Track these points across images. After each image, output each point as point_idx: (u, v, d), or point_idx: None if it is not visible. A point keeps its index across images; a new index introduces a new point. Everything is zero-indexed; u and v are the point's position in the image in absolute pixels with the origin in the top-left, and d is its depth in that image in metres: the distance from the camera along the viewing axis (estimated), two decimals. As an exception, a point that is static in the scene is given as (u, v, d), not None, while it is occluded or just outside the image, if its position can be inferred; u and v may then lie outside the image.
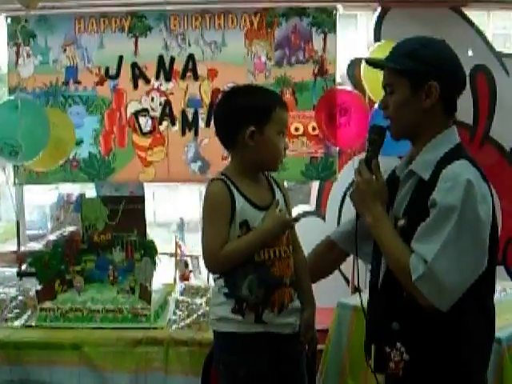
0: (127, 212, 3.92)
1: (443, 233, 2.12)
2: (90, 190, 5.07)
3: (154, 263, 3.51)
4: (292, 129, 4.88)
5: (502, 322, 3.22)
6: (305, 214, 5.23)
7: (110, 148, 4.95)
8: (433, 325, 2.21)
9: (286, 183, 5.28)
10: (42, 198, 6.97)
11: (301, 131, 4.91)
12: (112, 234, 3.63)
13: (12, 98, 4.40)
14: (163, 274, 4.36)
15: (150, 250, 3.53)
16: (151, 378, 3.19)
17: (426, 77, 2.23)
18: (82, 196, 4.11)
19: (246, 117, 2.47)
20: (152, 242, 3.59)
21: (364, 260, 2.66)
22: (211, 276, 2.71)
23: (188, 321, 3.34)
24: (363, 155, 2.41)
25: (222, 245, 2.43)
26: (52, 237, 4.41)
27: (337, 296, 3.81)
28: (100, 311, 3.33)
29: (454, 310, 2.17)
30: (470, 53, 5.12)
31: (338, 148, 4.92)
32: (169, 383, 3.17)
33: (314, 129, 4.88)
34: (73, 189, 5.17)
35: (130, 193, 4.83)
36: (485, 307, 2.29)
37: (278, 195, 2.59)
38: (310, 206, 5.34)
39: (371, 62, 2.53)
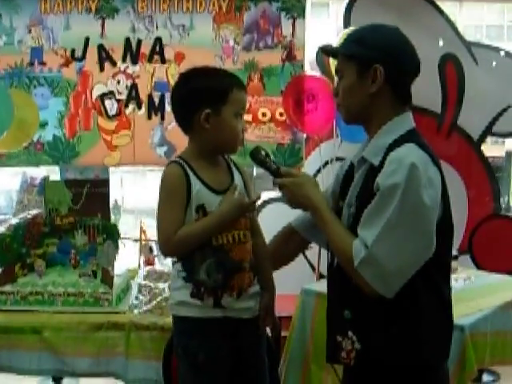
0: (91, 196, 3.87)
1: (384, 216, 2.09)
2: (56, 174, 5.02)
3: (117, 247, 3.45)
4: (259, 114, 4.87)
5: (466, 310, 3.25)
6: (269, 200, 5.22)
7: (75, 131, 4.89)
8: (385, 313, 2.18)
9: (254, 170, 5.34)
10: (9, 181, 6.86)
11: (268, 117, 4.89)
12: (75, 218, 3.58)
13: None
14: (128, 259, 4.32)
15: (112, 234, 3.47)
16: (112, 363, 3.15)
17: (370, 61, 2.21)
18: (45, 179, 4.05)
19: (201, 99, 2.43)
20: (115, 226, 3.54)
21: (324, 247, 2.65)
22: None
23: (150, 305, 3.29)
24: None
25: (176, 229, 2.38)
26: (15, 220, 4.33)
27: (302, 283, 3.80)
28: (61, 295, 3.27)
29: (407, 298, 2.14)
30: (440, 42, 5.13)
31: (305, 134, 4.91)
32: (130, 368, 3.13)
33: (281, 115, 4.86)
34: (39, 172, 5.11)
35: (94, 176, 4.79)
36: (439, 294, 2.25)
37: (237, 178, 2.55)
38: (276, 193, 5.32)
39: (325, 50, 2.52)
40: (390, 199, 2.09)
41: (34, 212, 4.24)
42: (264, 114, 4.88)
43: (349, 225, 2.26)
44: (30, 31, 4.82)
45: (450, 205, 2.23)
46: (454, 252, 4.39)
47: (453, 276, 3.74)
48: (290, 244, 2.72)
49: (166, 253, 2.52)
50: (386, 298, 2.13)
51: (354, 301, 2.23)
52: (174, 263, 2.52)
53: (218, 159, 2.54)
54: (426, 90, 5.14)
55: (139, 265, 4.15)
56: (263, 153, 2.44)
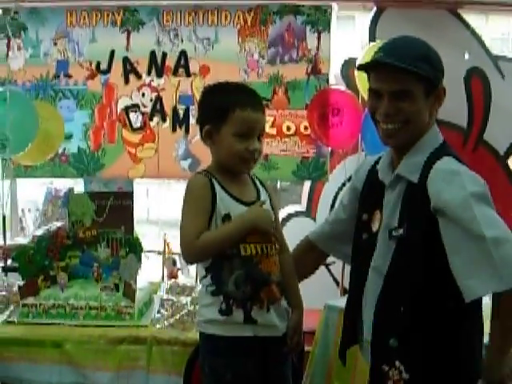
0: (115, 208, 3.87)
1: (492, 228, 2.01)
2: (81, 186, 5.03)
3: (139, 260, 3.45)
4: (284, 128, 4.86)
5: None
6: (295, 213, 5.20)
7: (99, 143, 4.90)
8: (432, 340, 2.13)
9: (278, 183, 5.32)
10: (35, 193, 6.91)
11: (292, 131, 4.87)
12: (98, 230, 3.57)
13: (0, 89, 4.34)
14: (152, 271, 4.32)
15: (135, 247, 3.46)
16: (133, 377, 3.14)
17: (438, 81, 2.18)
18: (69, 191, 4.07)
19: (204, 115, 2.45)
20: (137, 239, 3.53)
21: (346, 261, 2.62)
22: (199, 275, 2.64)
23: (172, 320, 3.28)
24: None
25: (198, 234, 2.33)
26: (39, 232, 4.36)
27: (326, 298, 3.77)
28: (83, 308, 3.27)
29: (453, 319, 2.11)
30: (466, 55, 5.08)
31: (329, 148, 4.88)
32: (151, 382, 3.12)
33: (306, 128, 4.84)
34: (64, 184, 5.14)
35: (118, 189, 4.79)
36: (478, 311, 2.22)
37: (264, 195, 2.52)
38: (301, 206, 5.30)
39: (374, 64, 2.35)
40: (475, 207, 2.02)
41: (58, 224, 4.26)
42: (288, 128, 4.87)
43: (395, 247, 2.19)
44: (55, 44, 4.85)
45: None
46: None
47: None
48: (309, 257, 2.69)
49: (188, 257, 2.45)
50: (432, 324, 2.11)
51: (401, 328, 2.17)
52: (201, 279, 2.47)
53: (241, 175, 2.51)
54: (451, 105, 5.10)
55: (162, 278, 4.14)
56: None
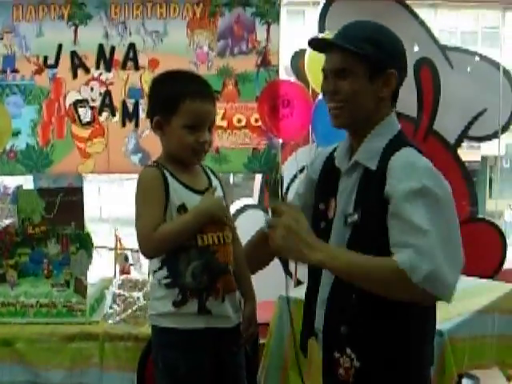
0: (65, 204, 3.82)
1: (428, 222, 1.96)
2: (30, 183, 4.96)
3: (90, 256, 3.41)
4: (234, 120, 4.82)
5: (444, 314, 3.22)
6: (245, 207, 5.19)
7: (48, 139, 4.81)
8: (383, 327, 2.12)
9: (231, 178, 5.31)
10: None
11: (243, 123, 4.84)
12: (47, 227, 3.52)
13: None
14: (104, 268, 4.27)
15: (85, 243, 3.43)
16: (87, 374, 3.12)
17: (386, 64, 2.14)
18: (18, 188, 4.00)
19: (153, 106, 2.43)
20: (88, 235, 3.49)
21: None
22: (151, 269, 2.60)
23: (124, 315, 3.26)
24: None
25: (155, 226, 2.30)
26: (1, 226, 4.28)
27: (279, 289, 3.75)
28: (33, 306, 3.24)
29: (404, 305, 2.05)
30: (415, 46, 5.13)
31: (280, 140, 4.88)
32: (105, 379, 3.10)
33: (256, 120, 4.81)
34: (13, 181, 5.05)
35: (68, 185, 4.73)
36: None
37: (215, 183, 2.52)
38: (253, 199, 5.30)
39: (320, 43, 2.37)
40: (426, 203, 1.97)
41: (7, 221, 4.19)
42: (239, 120, 4.84)
43: (350, 233, 2.17)
44: (1, 38, 4.74)
45: None
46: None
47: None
48: (262, 249, 2.62)
49: (146, 251, 2.39)
50: (383, 312, 2.08)
51: (352, 316, 2.16)
52: (154, 271, 2.44)
53: (191, 165, 2.49)
54: (401, 95, 5.14)
55: (115, 274, 4.10)
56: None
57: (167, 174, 2.37)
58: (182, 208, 2.36)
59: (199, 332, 2.38)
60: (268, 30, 4.77)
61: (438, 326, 2.90)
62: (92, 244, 3.48)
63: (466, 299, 3.54)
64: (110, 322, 3.22)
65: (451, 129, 5.30)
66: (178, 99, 2.34)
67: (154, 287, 2.46)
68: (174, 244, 2.34)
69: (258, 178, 5.22)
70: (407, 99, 5.08)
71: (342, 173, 2.27)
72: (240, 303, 2.53)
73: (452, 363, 3.09)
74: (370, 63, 2.14)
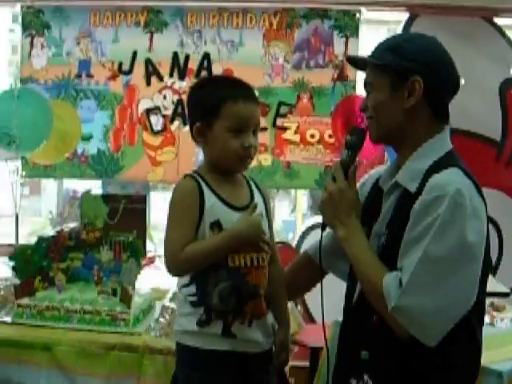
0: (128, 211, 3.79)
1: (420, 253, 1.87)
2: (100, 188, 4.97)
3: (139, 265, 3.33)
4: (308, 135, 4.72)
5: (507, 354, 3.01)
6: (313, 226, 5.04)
7: (119, 145, 4.82)
8: (407, 356, 1.94)
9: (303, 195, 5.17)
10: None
11: (317, 138, 4.73)
12: (101, 233, 3.48)
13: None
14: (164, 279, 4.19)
15: (136, 251, 3.35)
16: (123, 385, 3.03)
17: (408, 72, 1.99)
18: (85, 192, 4.00)
19: (193, 112, 2.31)
20: (139, 243, 3.41)
21: (342, 279, 2.41)
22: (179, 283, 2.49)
23: (168, 328, 3.15)
24: (339, 159, 2.19)
25: (184, 245, 2.18)
26: (52, 232, 4.28)
27: (337, 313, 3.60)
28: (77, 312, 3.17)
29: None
30: (502, 66, 4.88)
31: (355, 158, 4.71)
32: (141, 392, 3.00)
33: (330, 136, 4.69)
34: (83, 185, 5.08)
35: (135, 192, 4.71)
36: (473, 339, 2.02)
37: (258, 198, 2.36)
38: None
39: (352, 61, 2.29)
40: (427, 233, 1.87)
41: (72, 225, 4.18)
42: (312, 136, 4.72)
43: (378, 256, 2.03)
44: (78, 43, 4.80)
45: (489, 238, 2.00)
46: (506, 289, 4.14)
47: (498, 315, 3.51)
48: (306, 273, 2.48)
49: (171, 270, 2.27)
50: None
51: (375, 341, 2.01)
52: (182, 287, 2.32)
53: (235, 176, 2.36)
54: (485, 117, 4.92)
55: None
56: (358, 141, 2.16)
57: (204, 187, 2.23)
58: (216, 225, 2.22)
59: (223, 354, 2.23)
60: (346, 43, 4.66)
61: (496, 367, 2.71)
62: (142, 253, 3.40)
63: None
64: (152, 334, 3.13)
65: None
66: (219, 102, 2.22)
67: (180, 303, 2.33)
68: (201, 265, 2.22)
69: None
70: (491, 121, 4.88)
71: (384, 193, 2.12)
72: (274, 328, 2.38)
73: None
74: (390, 73, 2.01)
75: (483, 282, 1.99)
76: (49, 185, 5.21)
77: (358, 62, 2.24)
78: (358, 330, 2.08)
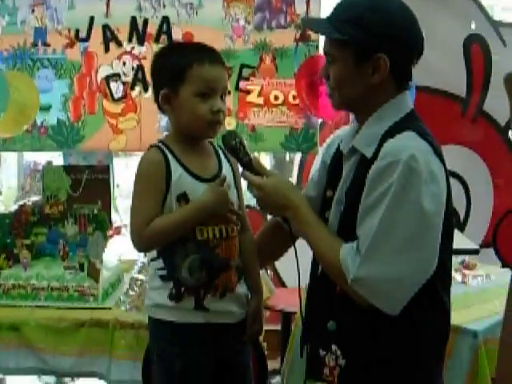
0: (91, 182, 3.70)
1: (376, 222, 1.83)
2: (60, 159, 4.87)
3: (106, 238, 3.26)
4: (271, 97, 4.61)
5: (480, 312, 3.01)
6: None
7: (79, 114, 4.68)
8: (375, 324, 1.92)
9: (267, 155, 5.12)
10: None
11: (281, 100, 4.62)
12: (64, 206, 3.40)
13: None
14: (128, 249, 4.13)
15: (101, 224, 3.28)
16: (96, 363, 3.00)
17: (372, 48, 1.92)
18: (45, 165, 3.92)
19: (158, 78, 2.24)
20: (104, 215, 3.34)
21: None
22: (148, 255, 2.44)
23: (139, 301, 3.09)
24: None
25: (149, 220, 2.13)
26: (15, 207, 4.19)
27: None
28: (45, 289, 3.11)
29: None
30: (466, 22, 4.84)
31: (320, 119, 4.65)
32: (114, 368, 2.97)
33: (294, 98, 4.60)
34: (44, 157, 4.98)
35: (98, 162, 4.61)
36: (439, 304, 2.00)
37: (226, 167, 2.31)
38: (292, 180, 5.10)
39: (307, 26, 2.23)
40: (382, 201, 1.83)
41: (35, 198, 4.09)
42: (276, 97, 4.63)
43: (338, 224, 2.01)
44: (33, 11, 4.61)
45: (452, 201, 1.97)
46: (475, 246, 4.14)
47: (470, 273, 3.51)
48: (276, 238, 2.42)
49: (137, 246, 2.24)
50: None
51: (341, 310, 1.98)
52: (151, 260, 2.28)
53: (202, 144, 2.29)
54: (450, 73, 4.89)
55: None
56: (237, 139, 2.18)
57: (171, 158, 2.18)
58: (183, 197, 2.17)
59: (197, 327, 2.20)
60: (308, 3, 4.53)
61: (471, 326, 2.69)
62: (107, 224, 3.33)
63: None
64: (122, 308, 3.07)
65: (502, 110, 4.97)
66: (185, 66, 2.16)
67: (151, 276, 2.30)
68: (167, 240, 2.17)
69: (298, 158, 5.00)
70: (456, 78, 4.85)
71: (344, 157, 2.08)
72: (247, 298, 2.34)
73: (486, 366, 2.85)
74: (353, 48, 1.94)
75: (446, 246, 1.96)
76: (9, 157, 5.03)
77: (313, 30, 2.20)
78: (324, 299, 2.06)
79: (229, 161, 2.33)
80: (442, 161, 1.91)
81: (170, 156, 2.19)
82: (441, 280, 1.97)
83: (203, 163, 2.26)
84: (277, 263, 4.80)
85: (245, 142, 2.19)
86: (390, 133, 1.92)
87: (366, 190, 1.88)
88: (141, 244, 2.21)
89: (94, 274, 3.10)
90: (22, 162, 5.11)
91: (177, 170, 2.18)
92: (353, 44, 1.93)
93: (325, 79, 2.07)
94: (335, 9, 2.03)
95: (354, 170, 2.00)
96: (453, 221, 2.00)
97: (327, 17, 2.04)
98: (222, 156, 2.33)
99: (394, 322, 1.89)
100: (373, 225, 1.84)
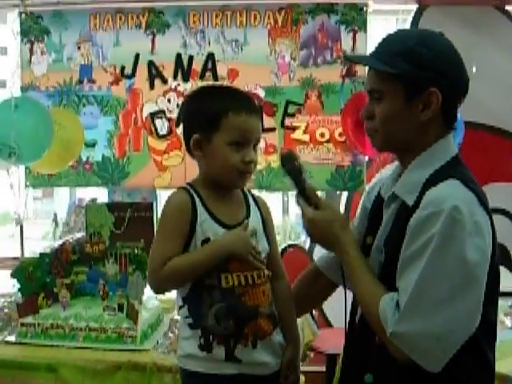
0: (135, 220, 3.68)
1: (415, 278, 1.74)
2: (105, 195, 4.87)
3: (145, 278, 3.20)
4: (317, 134, 4.58)
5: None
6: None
7: (124, 151, 4.70)
8: (414, 381, 1.81)
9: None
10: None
11: (327, 137, 4.58)
12: (106, 245, 3.36)
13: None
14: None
15: (141, 264, 3.22)
16: (132, 405, 2.91)
17: (425, 83, 1.83)
18: (91, 201, 3.91)
19: (191, 123, 2.13)
20: (144, 255, 3.28)
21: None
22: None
23: (177, 344, 3.01)
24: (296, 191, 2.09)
25: (165, 261, 2.04)
26: (55, 245, 4.18)
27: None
28: (83, 329, 3.05)
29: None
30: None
31: (366, 157, 4.57)
32: (150, 412, 2.88)
33: (340, 135, 4.54)
34: (89, 193, 4.97)
35: (142, 199, 4.59)
36: (483, 361, 1.88)
37: (255, 214, 2.21)
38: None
39: (354, 61, 2.14)
40: (423, 253, 1.74)
41: (79, 235, 4.06)
42: (322, 135, 4.58)
43: (378, 274, 1.91)
44: (79, 48, 4.69)
45: (497, 251, 1.86)
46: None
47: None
48: (315, 287, 2.33)
49: (152, 286, 2.15)
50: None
51: (379, 363, 1.88)
52: (179, 308, 2.20)
53: (232, 190, 2.21)
54: (498, 108, 4.76)
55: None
56: (298, 161, 2.09)
57: (198, 201, 2.11)
58: (207, 243, 2.09)
59: (229, 377, 2.10)
60: (354, 38, 4.49)
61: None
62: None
63: None
64: (159, 350, 3.00)
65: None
66: (220, 113, 2.07)
67: (181, 324, 2.20)
68: (183, 281, 2.09)
69: (344, 197, 4.91)
70: (506, 113, 4.72)
71: (384, 203, 1.98)
72: (283, 347, 2.23)
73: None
74: (405, 83, 1.84)
75: (491, 301, 1.86)
76: (61, 188, 5.05)
77: (363, 64, 2.11)
78: (362, 349, 1.96)
79: (258, 207, 2.25)
80: (488, 212, 1.81)
81: (197, 200, 2.11)
82: (485, 335, 1.86)
83: (230, 210, 2.17)
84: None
85: (298, 170, 2.10)
86: (433, 180, 1.82)
87: (407, 240, 1.78)
88: (156, 283, 2.12)
89: (133, 315, 3.03)
90: (74, 198, 5.13)
91: (202, 215, 2.10)
92: (404, 78, 1.84)
93: (365, 119, 1.98)
94: (381, 43, 1.94)
95: (394, 217, 1.91)
96: (499, 271, 1.89)
97: (372, 52, 1.95)
98: (252, 203, 2.24)
99: (433, 380, 1.79)
100: (413, 278, 1.74)
